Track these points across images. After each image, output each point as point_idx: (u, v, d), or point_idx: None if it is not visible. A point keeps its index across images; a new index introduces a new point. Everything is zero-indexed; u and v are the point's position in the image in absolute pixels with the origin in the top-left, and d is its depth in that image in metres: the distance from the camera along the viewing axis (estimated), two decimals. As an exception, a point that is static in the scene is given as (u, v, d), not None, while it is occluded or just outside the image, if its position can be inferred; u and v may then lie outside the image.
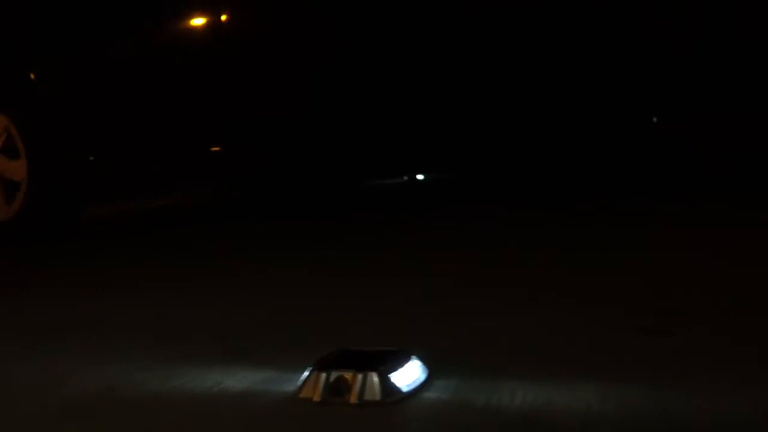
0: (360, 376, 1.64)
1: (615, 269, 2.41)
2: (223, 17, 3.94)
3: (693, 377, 1.55)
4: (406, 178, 5.10)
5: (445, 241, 3.11)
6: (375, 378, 1.64)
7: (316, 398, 1.63)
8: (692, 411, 1.40)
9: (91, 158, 4.36)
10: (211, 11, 3.98)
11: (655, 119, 3.33)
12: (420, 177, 5.11)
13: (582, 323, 1.94)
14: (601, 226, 3.02)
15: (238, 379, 1.72)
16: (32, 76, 4.48)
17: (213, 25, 3.97)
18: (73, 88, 4.43)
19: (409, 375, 1.69)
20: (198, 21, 4.05)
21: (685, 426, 1.36)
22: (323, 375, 1.65)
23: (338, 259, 3.01)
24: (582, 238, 2.88)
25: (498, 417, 1.51)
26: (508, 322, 2.01)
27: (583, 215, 3.26)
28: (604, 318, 1.95)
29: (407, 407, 1.59)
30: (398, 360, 1.71)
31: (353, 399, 1.62)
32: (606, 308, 2.03)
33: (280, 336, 2.06)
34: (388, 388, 1.64)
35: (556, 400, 1.51)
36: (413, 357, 1.74)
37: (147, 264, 3.42)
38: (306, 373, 1.68)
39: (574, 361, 1.70)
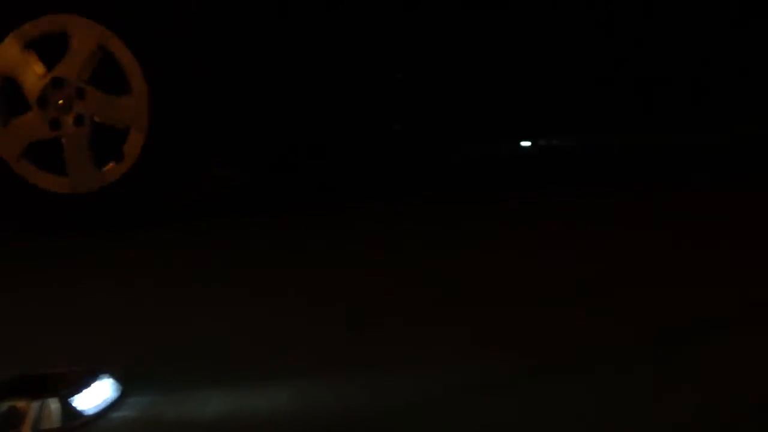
0: (36, 404, 1.49)
1: (342, 267, 2.33)
2: None
3: (379, 370, 1.55)
4: None
5: (163, 243, 2.88)
6: (54, 403, 1.50)
7: (-18, 433, 1.44)
8: (374, 403, 1.39)
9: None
10: None
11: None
12: None
13: (284, 323, 1.88)
14: (354, 227, 2.91)
15: None
16: None
17: None
18: None
19: (96, 396, 1.56)
20: None
21: (367, 417, 1.34)
22: (-8, 406, 1.47)
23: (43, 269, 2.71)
24: (331, 238, 2.76)
25: (191, 429, 1.41)
26: (209, 328, 1.91)
27: (338, 217, 3.14)
28: (304, 316, 1.91)
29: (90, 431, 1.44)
30: (84, 381, 1.57)
31: (27, 429, 1.45)
32: (312, 306, 1.98)
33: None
34: (70, 412, 1.51)
35: (247, 404, 1.45)
36: (104, 375, 1.60)
37: None
38: (-28, 407, 1.49)
39: (269, 363, 1.63)
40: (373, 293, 2.04)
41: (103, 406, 1.53)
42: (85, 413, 1.50)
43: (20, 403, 1.48)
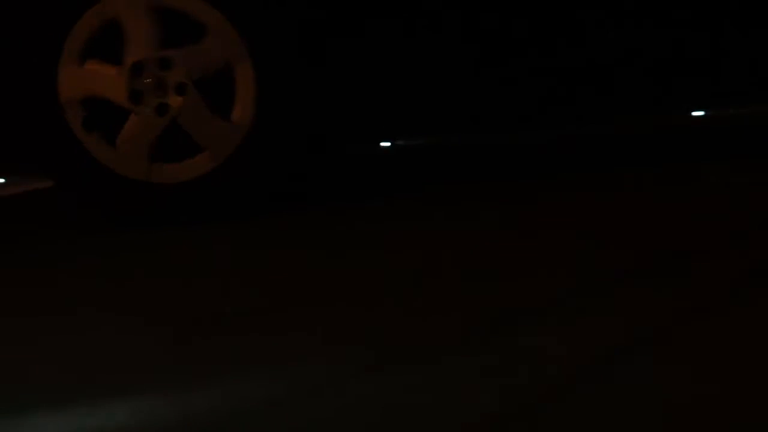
0: None
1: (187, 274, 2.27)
2: None
3: (219, 381, 1.52)
4: None
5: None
6: None
7: None
8: (213, 414, 1.38)
9: None
10: None
11: None
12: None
13: (118, 336, 1.83)
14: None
15: None
16: None
17: None
18: None
19: None
20: None
21: (208, 423, 1.34)
22: None
23: None
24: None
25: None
26: (49, 348, 1.81)
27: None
28: (136, 328, 1.86)
29: None
30: None
31: None
32: (146, 315, 1.94)
33: None
34: None
35: (86, 424, 1.39)
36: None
37: None
38: None
39: (113, 379, 1.58)
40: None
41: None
42: None
43: None
